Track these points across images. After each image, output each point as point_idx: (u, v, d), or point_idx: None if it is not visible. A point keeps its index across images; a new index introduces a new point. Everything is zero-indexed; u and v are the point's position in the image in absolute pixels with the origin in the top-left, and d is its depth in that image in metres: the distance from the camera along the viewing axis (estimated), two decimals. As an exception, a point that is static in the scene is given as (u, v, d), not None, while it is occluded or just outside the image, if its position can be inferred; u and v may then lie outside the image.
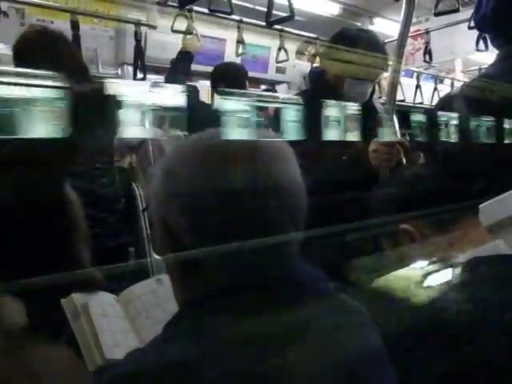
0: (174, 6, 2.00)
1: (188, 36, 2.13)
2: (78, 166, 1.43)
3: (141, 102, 0.47)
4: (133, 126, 0.48)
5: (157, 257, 2.08)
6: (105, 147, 1.61)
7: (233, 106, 0.53)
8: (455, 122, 1.01)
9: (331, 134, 0.70)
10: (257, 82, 3.41)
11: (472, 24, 2.03)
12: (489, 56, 1.85)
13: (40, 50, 1.36)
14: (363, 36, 1.44)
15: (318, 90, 1.51)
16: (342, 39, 1.46)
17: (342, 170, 1.35)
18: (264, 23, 1.55)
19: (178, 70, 2.22)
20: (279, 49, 2.34)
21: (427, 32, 2.50)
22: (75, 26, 1.74)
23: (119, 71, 2.60)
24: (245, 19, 2.21)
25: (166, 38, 2.41)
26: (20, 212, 0.66)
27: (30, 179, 0.62)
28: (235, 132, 0.61)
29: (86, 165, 1.47)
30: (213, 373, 0.48)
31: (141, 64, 1.97)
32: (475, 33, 2.19)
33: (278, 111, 0.63)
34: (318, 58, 2.62)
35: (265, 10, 1.46)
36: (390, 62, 1.42)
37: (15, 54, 1.40)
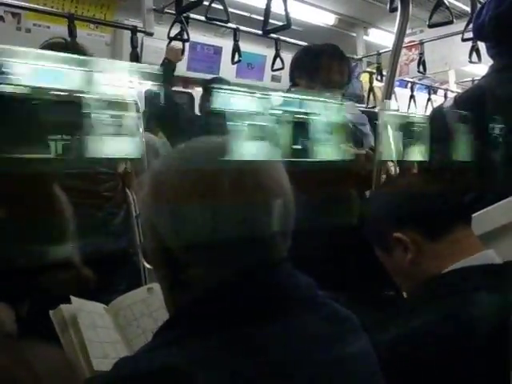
0: (171, 14, 2.01)
1: (171, 45, 2.16)
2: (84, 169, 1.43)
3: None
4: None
5: (147, 265, 2.07)
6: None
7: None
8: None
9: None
10: (252, 90, 3.42)
11: (466, 36, 2.06)
12: (482, 68, 1.87)
13: None
14: (327, 48, 1.56)
15: None
16: (307, 53, 1.59)
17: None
18: (260, 32, 1.56)
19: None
20: (275, 57, 2.35)
21: (421, 43, 2.52)
22: (72, 31, 1.74)
23: (115, 77, 2.60)
24: (241, 27, 2.22)
25: (162, 44, 2.42)
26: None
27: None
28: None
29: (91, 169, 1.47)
30: (201, 380, 0.48)
31: (137, 70, 1.97)
32: (469, 45, 2.22)
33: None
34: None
35: (261, 18, 1.48)
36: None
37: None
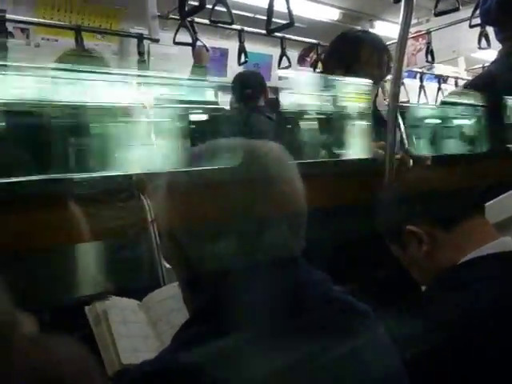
0: (175, 19, 2.03)
1: (196, 48, 2.16)
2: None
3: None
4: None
5: (167, 265, 2.10)
6: None
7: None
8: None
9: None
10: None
11: (473, 22, 2.03)
12: (492, 53, 1.85)
13: None
14: (366, 37, 1.43)
15: None
16: (344, 42, 1.44)
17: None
18: (265, 31, 1.56)
19: None
20: (281, 56, 2.35)
21: (428, 32, 2.49)
22: (80, 42, 1.77)
23: (124, 85, 2.63)
24: (246, 28, 2.23)
25: (168, 50, 2.44)
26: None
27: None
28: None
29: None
30: (221, 380, 0.48)
31: (145, 77, 1.99)
32: (477, 31, 2.19)
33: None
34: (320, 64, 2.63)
35: (265, 18, 1.48)
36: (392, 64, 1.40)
37: None
